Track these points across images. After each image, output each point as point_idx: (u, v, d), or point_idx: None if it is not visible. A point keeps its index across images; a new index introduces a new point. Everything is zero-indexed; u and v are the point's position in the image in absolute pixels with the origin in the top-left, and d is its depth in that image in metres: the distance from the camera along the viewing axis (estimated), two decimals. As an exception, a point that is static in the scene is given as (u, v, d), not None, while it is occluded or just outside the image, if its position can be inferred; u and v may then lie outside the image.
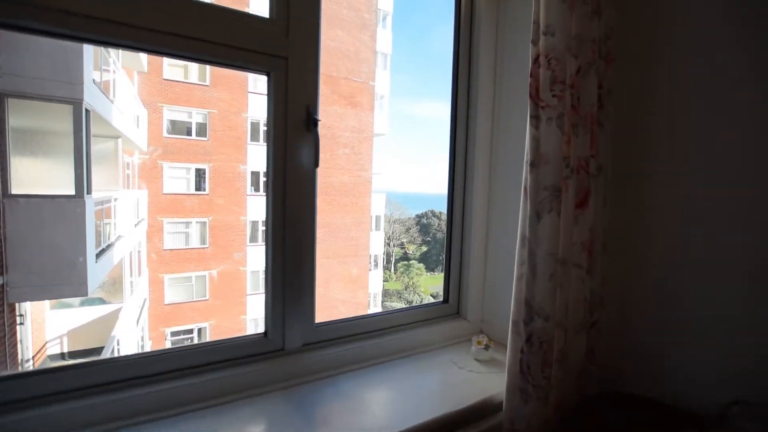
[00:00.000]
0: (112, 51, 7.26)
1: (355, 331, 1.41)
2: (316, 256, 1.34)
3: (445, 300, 1.67)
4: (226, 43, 1.08)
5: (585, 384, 1.27)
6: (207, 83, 14.02)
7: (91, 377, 0.99)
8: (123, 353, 8.50)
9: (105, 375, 1.00)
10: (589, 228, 1.20)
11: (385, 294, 30.46)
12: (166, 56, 1.09)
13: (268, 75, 1.19)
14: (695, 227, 1.18)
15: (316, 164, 1.25)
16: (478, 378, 1.33)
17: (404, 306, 1.64)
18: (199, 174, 14.31)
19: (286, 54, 1.20)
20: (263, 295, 1.27)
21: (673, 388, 1.21)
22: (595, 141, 1.19)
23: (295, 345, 1.28)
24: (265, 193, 1.21)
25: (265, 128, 1.22)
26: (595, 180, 1.20)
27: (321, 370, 1.28)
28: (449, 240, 1.65)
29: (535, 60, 1.10)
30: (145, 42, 0.97)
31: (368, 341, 1.40)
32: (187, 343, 13.86)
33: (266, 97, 1.21)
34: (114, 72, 7.52)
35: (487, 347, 1.43)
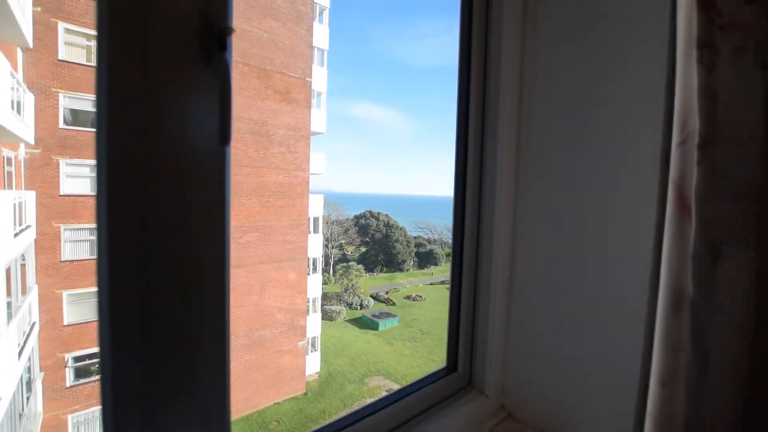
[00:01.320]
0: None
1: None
2: (229, 306, 0.65)
3: (452, 367, 1.08)
4: None
5: None
6: (116, 68, 12.12)
7: None
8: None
9: None
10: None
11: (325, 297, 29.43)
12: None
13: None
14: None
15: (225, 139, 0.57)
16: None
17: (393, 391, 1.00)
18: (108, 172, 12.34)
19: None
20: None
21: None
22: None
23: None
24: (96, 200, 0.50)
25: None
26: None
27: None
28: (457, 279, 1.06)
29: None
30: None
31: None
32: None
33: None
34: (-23, 42, 5.90)
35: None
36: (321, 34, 18.34)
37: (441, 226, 56.99)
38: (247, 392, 16.20)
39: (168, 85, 0.51)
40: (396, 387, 18.62)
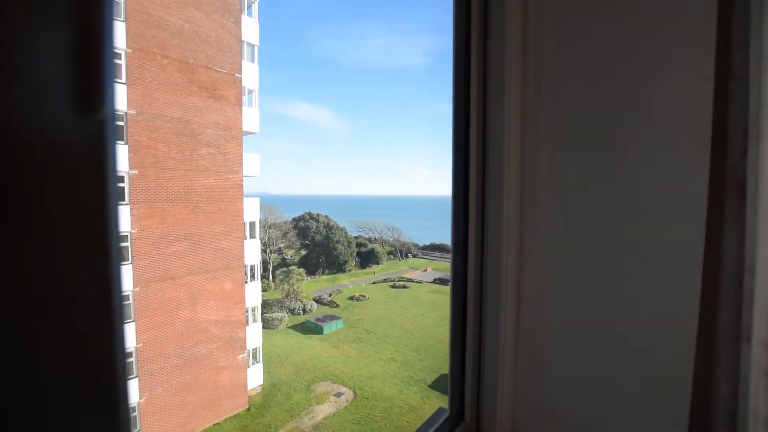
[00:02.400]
0: None
1: None
2: (123, 344, 0.35)
3: (458, 415, 0.85)
4: None
5: None
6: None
7: None
8: None
9: None
10: None
11: (265, 305, 28.16)
12: None
13: None
14: None
15: (91, 101, 0.29)
16: None
17: None
18: None
19: None
20: None
21: None
22: None
23: None
24: None
25: None
26: None
27: None
28: (460, 309, 0.84)
29: None
30: None
31: None
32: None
33: None
34: None
35: None
36: (250, 28, 17.33)
37: (381, 225, 57.55)
38: (182, 416, 14.84)
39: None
40: (344, 390, 18.30)
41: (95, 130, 0.32)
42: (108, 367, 0.41)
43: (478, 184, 0.85)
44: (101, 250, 0.37)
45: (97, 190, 0.34)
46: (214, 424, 15.86)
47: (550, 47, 0.84)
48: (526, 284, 0.86)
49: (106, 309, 0.39)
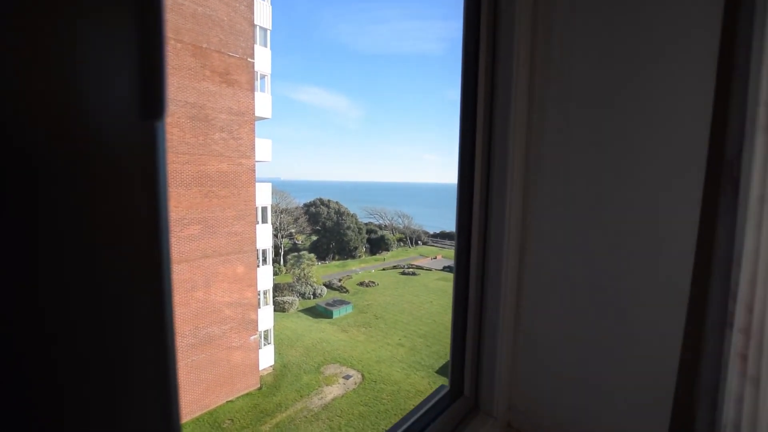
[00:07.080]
0: None
1: None
2: (170, 315, 0.42)
3: (457, 391, 0.92)
4: None
5: None
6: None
7: None
8: None
9: None
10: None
11: (276, 288, 28.66)
12: None
13: None
14: None
15: (152, 109, 0.32)
16: None
17: (399, 423, 0.82)
18: None
19: None
20: None
21: None
22: None
23: None
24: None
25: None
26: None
27: None
28: (462, 291, 0.89)
29: None
30: None
31: None
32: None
33: None
34: None
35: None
36: (263, 12, 17.23)
37: (391, 212, 57.58)
38: (197, 393, 15.39)
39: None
40: (352, 372, 18.69)
41: (153, 133, 0.37)
42: (162, 371, 0.44)
43: (483, 170, 0.90)
44: (153, 258, 0.40)
45: (151, 196, 0.38)
46: (227, 402, 16.41)
47: (558, 37, 0.87)
48: (527, 270, 0.91)
49: (157, 316, 0.41)
